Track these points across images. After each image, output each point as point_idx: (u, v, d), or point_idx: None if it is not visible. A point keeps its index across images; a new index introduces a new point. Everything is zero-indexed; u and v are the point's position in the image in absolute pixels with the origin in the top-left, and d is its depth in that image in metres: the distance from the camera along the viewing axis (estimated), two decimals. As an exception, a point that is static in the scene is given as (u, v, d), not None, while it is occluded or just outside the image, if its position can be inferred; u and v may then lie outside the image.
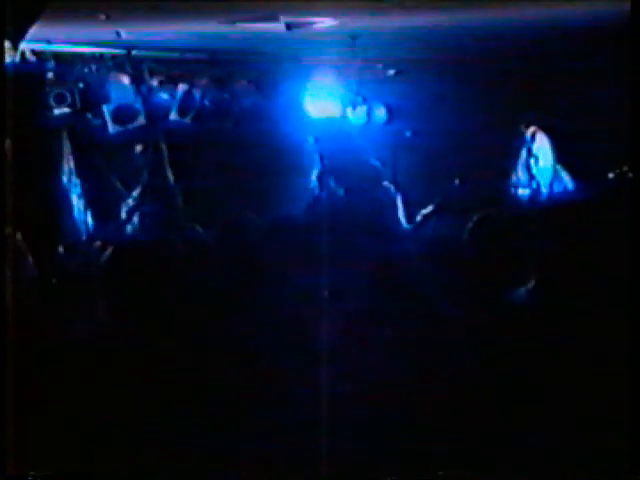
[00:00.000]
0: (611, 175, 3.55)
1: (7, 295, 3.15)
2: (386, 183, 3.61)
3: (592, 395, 3.37)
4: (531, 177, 3.64)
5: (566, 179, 3.61)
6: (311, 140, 3.58)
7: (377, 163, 3.61)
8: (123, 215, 3.56)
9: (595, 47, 3.42)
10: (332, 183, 3.60)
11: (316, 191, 3.60)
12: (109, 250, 3.55)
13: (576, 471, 3.23)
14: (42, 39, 3.43)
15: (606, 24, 3.28)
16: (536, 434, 3.37)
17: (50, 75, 3.52)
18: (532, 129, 3.62)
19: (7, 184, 3.18)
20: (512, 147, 3.63)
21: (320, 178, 3.60)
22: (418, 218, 3.62)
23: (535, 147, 3.63)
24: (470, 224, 3.58)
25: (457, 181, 3.61)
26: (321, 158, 3.60)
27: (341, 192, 3.60)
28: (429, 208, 3.61)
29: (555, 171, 3.62)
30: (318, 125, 3.57)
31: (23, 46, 3.44)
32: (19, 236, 3.47)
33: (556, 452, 3.33)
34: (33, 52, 3.48)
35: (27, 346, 3.36)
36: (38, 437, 3.31)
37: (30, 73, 3.49)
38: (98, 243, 3.55)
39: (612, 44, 3.30)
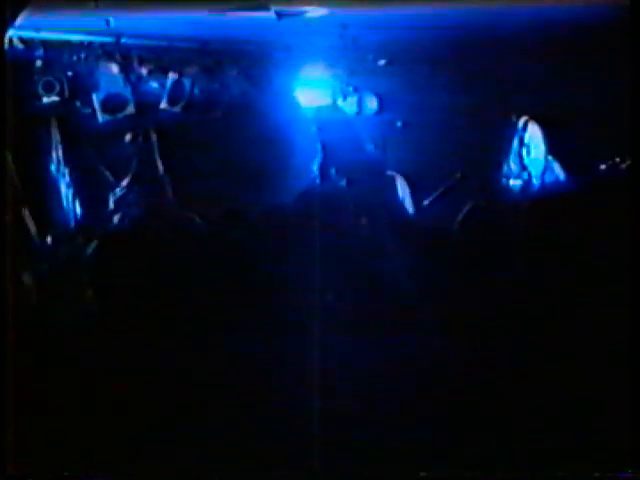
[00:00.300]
0: (603, 166, 3.54)
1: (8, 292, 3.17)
2: (378, 173, 3.60)
3: (592, 393, 3.35)
4: (523, 168, 3.63)
5: (558, 170, 3.60)
6: (302, 129, 3.56)
7: (369, 153, 3.59)
8: (112, 204, 3.54)
9: (590, 40, 3.40)
10: (324, 172, 3.59)
11: (308, 180, 3.58)
12: (98, 240, 3.53)
13: (576, 470, 3.24)
14: (30, 27, 3.41)
15: (604, 17, 3.28)
16: (535, 434, 3.37)
17: (38, 63, 3.49)
18: (524, 119, 3.60)
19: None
20: (504, 138, 3.62)
21: (311, 167, 3.58)
22: (410, 209, 3.60)
23: (527, 138, 3.62)
24: (460, 215, 3.57)
25: (449, 171, 3.60)
26: (312, 147, 3.58)
27: (334, 181, 3.59)
28: (430, 198, 3.59)
29: (547, 162, 3.61)
30: (309, 114, 3.54)
31: (11, 33, 3.41)
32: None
33: (556, 452, 3.33)
34: (21, 40, 3.45)
35: (26, 345, 3.35)
36: (38, 437, 3.29)
37: (18, 61, 3.45)
38: (87, 232, 3.53)
39: (609, 37, 3.30)
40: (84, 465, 3.27)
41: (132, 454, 3.32)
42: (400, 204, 3.59)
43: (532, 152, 3.63)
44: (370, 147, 3.58)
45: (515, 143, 3.63)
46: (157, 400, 3.40)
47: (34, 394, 3.31)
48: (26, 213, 3.50)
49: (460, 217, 3.57)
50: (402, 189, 3.58)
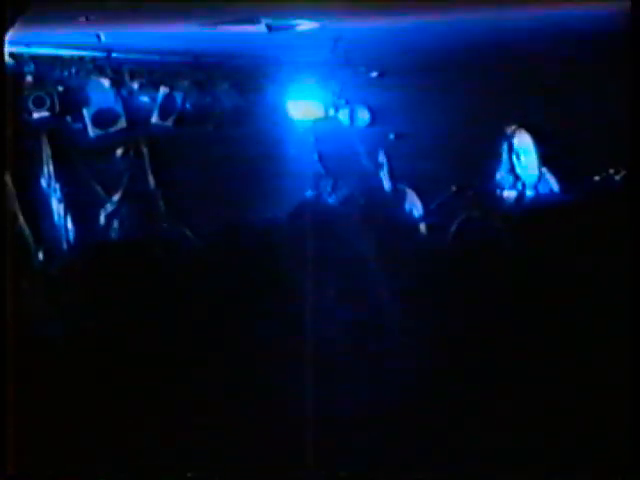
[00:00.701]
0: (597, 178, 3.53)
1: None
2: (371, 185, 3.59)
3: (592, 395, 3.36)
4: (516, 178, 3.62)
5: (551, 181, 3.59)
6: (295, 142, 3.55)
7: (361, 165, 3.58)
8: (103, 220, 3.53)
9: (586, 48, 3.40)
10: (317, 185, 3.58)
11: (301, 193, 3.57)
12: (89, 255, 3.52)
13: (575, 470, 3.25)
14: (21, 42, 3.40)
15: (603, 26, 3.28)
16: (535, 433, 3.37)
17: (29, 78, 3.48)
18: (517, 130, 3.60)
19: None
20: (497, 148, 3.61)
21: (304, 180, 3.57)
22: (403, 220, 3.60)
23: (520, 149, 3.61)
24: (454, 227, 3.56)
25: (443, 183, 3.59)
26: (305, 160, 3.57)
27: (327, 195, 3.58)
28: (416, 210, 3.58)
29: (540, 173, 3.60)
30: (301, 127, 3.53)
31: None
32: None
33: (555, 451, 3.34)
34: (11, 55, 3.43)
35: (27, 346, 3.34)
36: (38, 437, 3.28)
37: (8, 76, 3.44)
38: (78, 248, 3.51)
39: (608, 46, 3.30)
40: (84, 465, 3.28)
41: (131, 454, 3.33)
42: (397, 216, 3.59)
43: (525, 163, 3.62)
44: (363, 159, 3.57)
45: (509, 154, 3.62)
46: (157, 401, 3.41)
47: (34, 395, 3.30)
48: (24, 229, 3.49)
49: (453, 228, 3.56)
50: (409, 201, 3.58)
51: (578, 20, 3.35)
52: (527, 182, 3.62)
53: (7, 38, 3.31)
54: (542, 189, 3.62)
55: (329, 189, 3.57)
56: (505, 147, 3.61)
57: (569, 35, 3.39)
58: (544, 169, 3.60)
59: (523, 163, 3.62)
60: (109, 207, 3.53)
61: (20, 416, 3.07)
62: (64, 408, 3.36)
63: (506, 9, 3.38)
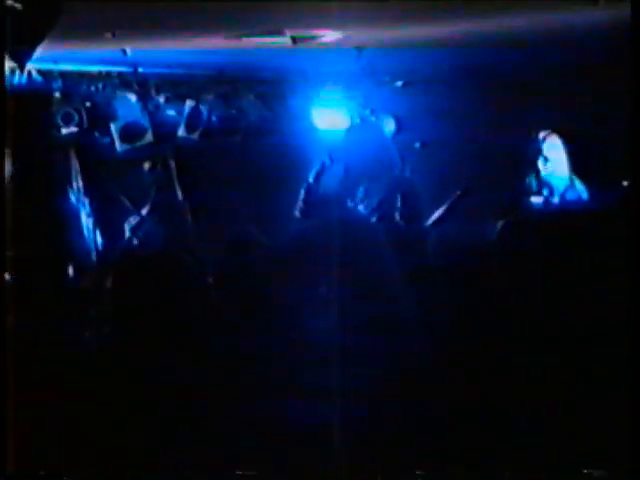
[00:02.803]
0: (626, 183, 3.50)
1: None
2: (398, 194, 3.58)
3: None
4: (544, 185, 3.59)
5: (580, 187, 3.56)
6: (320, 153, 3.55)
7: (388, 174, 3.58)
8: (132, 233, 3.55)
9: (612, 54, 3.38)
10: (344, 195, 3.58)
11: (327, 202, 3.57)
12: (118, 268, 3.54)
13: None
14: (48, 59, 3.44)
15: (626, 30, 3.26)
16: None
17: (57, 95, 3.52)
18: (546, 135, 3.58)
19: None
20: (525, 155, 3.59)
21: (330, 190, 3.57)
22: (429, 228, 3.58)
23: (548, 155, 3.59)
24: (481, 233, 3.55)
25: (469, 190, 3.57)
26: (331, 171, 3.57)
27: (355, 204, 3.58)
28: (440, 216, 3.57)
29: (569, 179, 3.58)
30: (326, 138, 3.54)
31: (30, 66, 3.45)
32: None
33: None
34: (39, 72, 3.47)
35: (28, 351, 3.38)
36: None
37: (37, 93, 3.48)
38: (107, 261, 3.54)
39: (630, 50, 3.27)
40: (84, 465, 3.30)
41: (132, 454, 3.34)
42: (423, 223, 3.58)
43: (554, 169, 3.59)
44: (389, 168, 3.57)
45: (536, 160, 3.60)
46: (158, 401, 3.42)
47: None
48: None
49: (480, 235, 3.55)
50: (435, 208, 3.57)
51: (602, 26, 3.34)
52: (556, 188, 3.59)
53: (36, 55, 3.37)
54: (570, 195, 3.59)
55: (356, 198, 3.56)
56: (534, 153, 3.59)
57: (596, 41, 3.37)
58: (572, 175, 3.57)
59: (552, 169, 3.60)
60: (137, 220, 3.55)
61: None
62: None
63: (531, 19, 3.38)
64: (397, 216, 3.56)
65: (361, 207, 3.56)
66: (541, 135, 3.57)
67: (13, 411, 3.20)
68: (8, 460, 3.16)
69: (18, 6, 3.34)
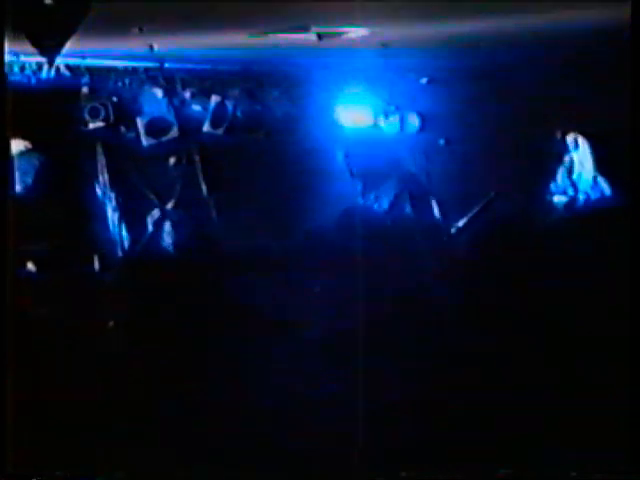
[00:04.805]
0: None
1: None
2: (421, 192, 3.58)
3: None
4: (569, 184, 3.58)
5: (604, 186, 3.54)
6: (345, 149, 3.56)
7: (412, 172, 3.58)
8: (157, 227, 3.58)
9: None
10: (367, 193, 3.58)
11: (351, 199, 3.58)
12: (143, 262, 3.57)
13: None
14: (77, 54, 3.48)
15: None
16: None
17: (85, 90, 3.55)
18: (571, 135, 3.56)
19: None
20: (549, 154, 3.58)
21: (355, 187, 3.58)
22: (453, 229, 3.58)
23: (574, 153, 3.58)
24: (506, 233, 3.54)
25: (493, 189, 3.57)
26: (355, 167, 3.58)
27: (378, 202, 3.58)
28: (465, 218, 3.57)
29: (594, 178, 3.56)
30: (351, 134, 3.55)
31: (58, 61, 3.48)
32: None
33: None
34: (67, 67, 3.51)
35: (51, 344, 3.41)
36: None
37: (65, 88, 3.52)
38: (133, 255, 3.57)
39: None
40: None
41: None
42: (441, 223, 3.58)
43: (580, 168, 3.58)
44: (413, 165, 3.57)
45: (561, 159, 3.59)
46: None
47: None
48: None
49: (501, 233, 3.54)
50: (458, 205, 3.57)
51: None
52: (580, 187, 3.58)
53: (64, 49, 3.41)
54: (594, 194, 3.57)
55: (379, 194, 3.57)
56: (558, 152, 3.58)
57: (620, 39, 3.36)
58: (597, 174, 3.56)
59: (577, 168, 3.58)
60: (162, 215, 3.58)
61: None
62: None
63: (557, 16, 3.38)
64: (435, 214, 3.57)
65: (381, 204, 3.56)
66: (565, 134, 3.56)
67: (28, 409, 3.24)
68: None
69: (49, 2, 3.38)
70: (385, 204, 3.57)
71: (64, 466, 3.35)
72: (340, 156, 3.55)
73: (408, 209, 3.57)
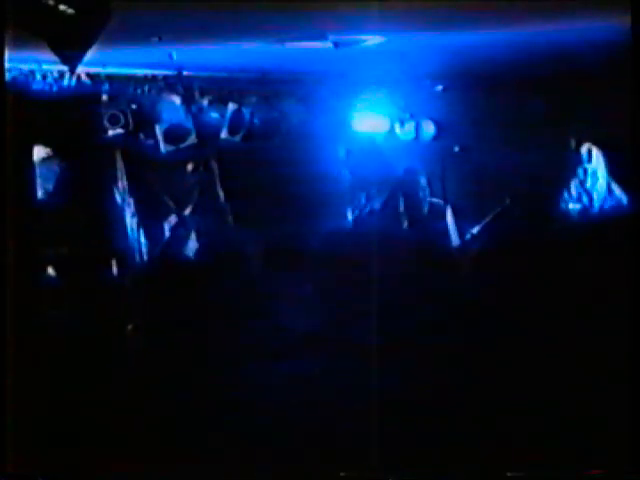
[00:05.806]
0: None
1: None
2: (435, 200, 3.60)
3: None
4: (583, 192, 3.59)
5: (619, 194, 3.55)
6: (359, 156, 3.59)
7: (426, 179, 3.60)
8: (175, 232, 3.61)
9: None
10: (383, 200, 3.61)
11: (367, 204, 3.60)
12: (161, 267, 3.60)
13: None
14: (97, 62, 3.53)
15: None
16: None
17: (104, 97, 3.60)
18: (585, 144, 3.57)
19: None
20: (564, 162, 3.59)
21: (370, 191, 3.60)
22: (468, 236, 3.59)
23: (588, 162, 3.58)
24: (520, 240, 3.55)
25: (508, 197, 3.58)
26: (370, 175, 3.60)
27: (393, 208, 3.60)
28: (479, 225, 3.58)
29: (608, 186, 3.57)
30: (366, 141, 3.57)
31: (79, 69, 3.54)
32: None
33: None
34: (88, 75, 3.57)
35: (67, 346, 3.44)
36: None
37: (85, 95, 3.57)
38: (150, 260, 3.60)
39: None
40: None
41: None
42: (460, 227, 3.60)
43: (594, 177, 3.59)
44: (429, 171, 3.59)
45: (576, 167, 3.59)
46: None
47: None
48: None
49: (519, 242, 3.55)
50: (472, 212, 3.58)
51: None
52: (595, 196, 3.58)
53: (85, 58, 3.46)
54: (609, 203, 3.58)
55: (395, 200, 3.59)
56: (573, 160, 3.59)
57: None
58: (611, 182, 3.56)
59: (591, 177, 3.59)
60: (180, 220, 3.62)
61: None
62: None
63: (573, 24, 3.39)
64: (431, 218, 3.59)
65: (397, 209, 3.59)
66: (579, 144, 3.57)
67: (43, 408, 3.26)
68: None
69: (71, 11, 3.44)
70: (400, 207, 3.59)
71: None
72: (356, 162, 3.58)
73: (422, 214, 3.59)
